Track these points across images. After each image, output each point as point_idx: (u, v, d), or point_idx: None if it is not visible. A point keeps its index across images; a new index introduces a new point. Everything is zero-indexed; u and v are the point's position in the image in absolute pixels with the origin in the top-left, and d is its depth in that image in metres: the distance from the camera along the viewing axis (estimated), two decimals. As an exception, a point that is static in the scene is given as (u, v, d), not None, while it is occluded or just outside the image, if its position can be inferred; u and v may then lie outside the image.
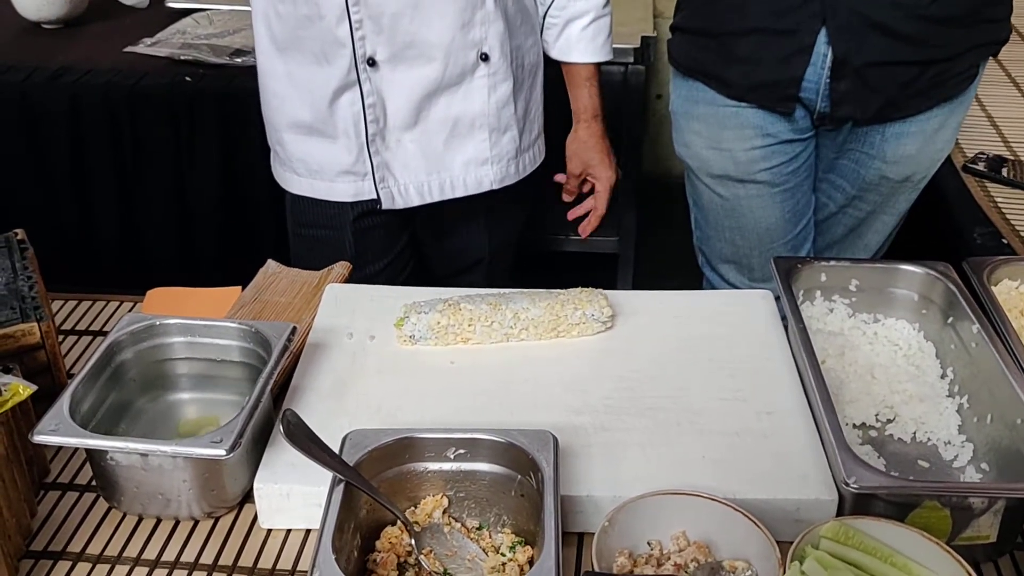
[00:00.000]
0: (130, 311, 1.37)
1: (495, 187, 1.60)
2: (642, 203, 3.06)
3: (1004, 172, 1.71)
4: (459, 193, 1.58)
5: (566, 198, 1.77)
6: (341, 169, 1.54)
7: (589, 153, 1.69)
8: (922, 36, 1.50)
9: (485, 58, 1.50)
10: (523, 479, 0.94)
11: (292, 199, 1.62)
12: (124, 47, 2.27)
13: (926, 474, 1.06)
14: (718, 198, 1.75)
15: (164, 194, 2.17)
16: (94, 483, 1.06)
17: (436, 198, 1.57)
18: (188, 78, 2.11)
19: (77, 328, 1.34)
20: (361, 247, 1.58)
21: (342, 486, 0.89)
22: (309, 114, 1.51)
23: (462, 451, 0.95)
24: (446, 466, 0.96)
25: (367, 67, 1.45)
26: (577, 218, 1.78)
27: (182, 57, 2.18)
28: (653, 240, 3.08)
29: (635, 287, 3.03)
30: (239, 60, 2.13)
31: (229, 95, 2.07)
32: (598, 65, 1.65)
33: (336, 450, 0.94)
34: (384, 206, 1.55)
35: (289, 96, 1.52)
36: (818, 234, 1.84)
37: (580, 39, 1.62)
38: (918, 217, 1.71)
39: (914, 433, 1.11)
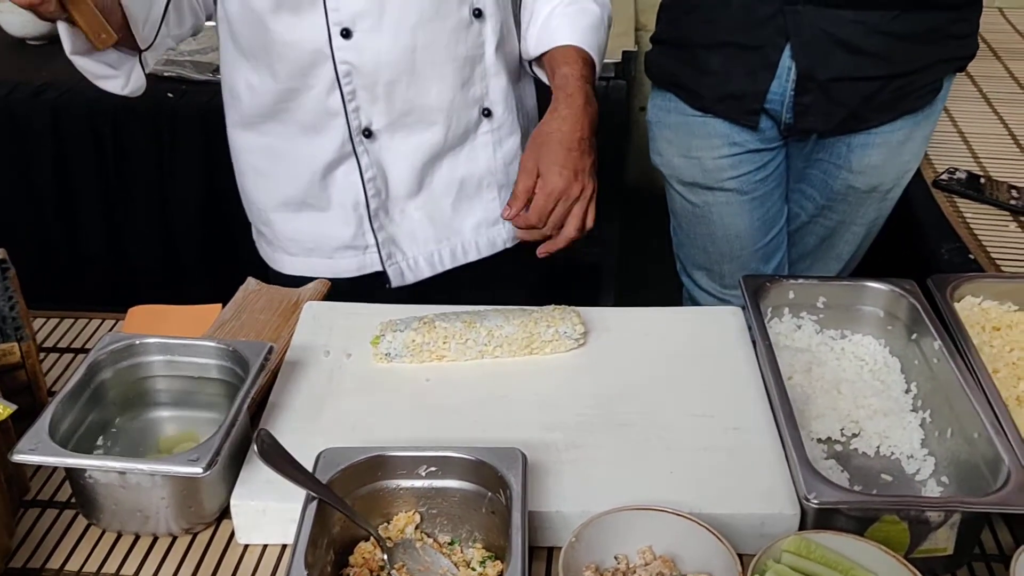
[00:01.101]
0: (112, 329, 1.39)
1: (508, 246, 1.49)
2: (626, 215, 3.09)
3: (975, 189, 1.74)
4: (472, 258, 1.48)
5: (507, 214, 1.30)
6: (340, 244, 1.44)
7: (546, 155, 1.28)
8: (884, 52, 1.54)
9: (488, 114, 1.41)
10: (493, 496, 0.96)
11: (284, 279, 1.48)
12: (108, 64, 2.28)
13: (889, 488, 1.09)
14: (689, 205, 1.79)
15: (147, 209, 2.19)
16: (74, 501, 1.08)
17: (448, 266, 1.47)
18: (171, 94, 2.13)
19: (59, 346, 1.36)
20: None
21: (315, 503, 0.91)
22: (298, 189, 1.42)
23: (433, 468, 0.98)
24: (418, 483, 0.98)
25: (363, 138, 1.36)
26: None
27: (165, 73, 2.21)
28: (637, 252, 3.11)
29: (618, 299, 3.08)
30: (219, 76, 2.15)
31: (211, 111, 2.07)
32: (585, 56, 1.35)
33: (310, 468, 0.96)
34: (394, 284, 1.45)
35: (272, 173, 1.43)
36: (791, 244, 1.88)
37: (559, 22, 1.37)
38: (889, 232, 1.75)
39: (878, 447, 1.14)
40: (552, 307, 1.25)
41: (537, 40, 1.41)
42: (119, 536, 1.04)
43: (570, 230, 1.29)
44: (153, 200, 2.18)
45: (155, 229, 2.21)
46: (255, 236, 1.57)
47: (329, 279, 1.42)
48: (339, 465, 0.95)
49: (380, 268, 1.47)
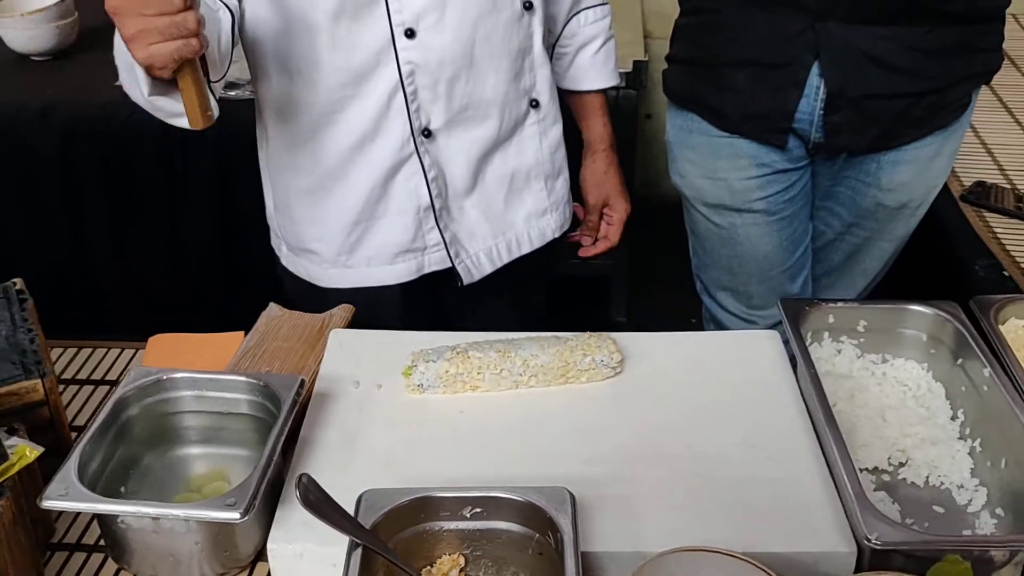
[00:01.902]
0: (132, 359, 1.36)
1: (556, 235, 1.54)
2: (632, 224, 3.07)
3: (1003, 203, 1.72)
4: (525, 250, 1.51)
5: (587, 237, 1.69)
6: (400, 249, 1.43)
7: (608, 184, 1.63)
8: (917, 68, 1.51)
9: (536, 105, 1.44)
10: (541, 538, 0.93)
11: (322, 292, 1.46)
12: (115, 81, 2.24)
13: (942, 519, 1.06)
14: (714, 227, 1.76)
15: (159, 232, 2.15)
16: (102, 543, 1.04)
17: (505, 260, 1.50)
18: (181, 113, 2.09)
19: (77, 377, 1.33)
20: (409, 324, 1.40)
21: (359, 550, 0.88)
22: (360, 201, 1.39)
23: (478, 510, 0.94)
24: (462, 525, 0.95)
25: (423, 138, 1.36)
26: (573, 243, 1.69)
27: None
28: (644, 261, 3.09)
29: (629, 311, 3.05)
30: (232, 93, 2.11)
31: (224, 130, 2.04)
32: (606, 94, 1.62)
33: (349, 508, 0.93)
34: (465, 282, 1.47)
35: (330, 188, 1.39)
36: (816, 261, 1.85)
37: (592, 65, 1.58)
38: (917, 248, 1.72)
39: (927, 477, 1.11)
40: (588, 334, 1.22)
41: (571, 79, 1.60)
42: (150, 580, 1.00)
43: (615, 239, 1.67)
44: (165, 224, 2.13)
45: (168, 252, 2.16)
46: (293, 258, 1.50)
47: (389, 285, 1.45)
48: (382, 508, 0.92)
49: (438, 268, 1.46)
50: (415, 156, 1.38)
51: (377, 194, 1.40)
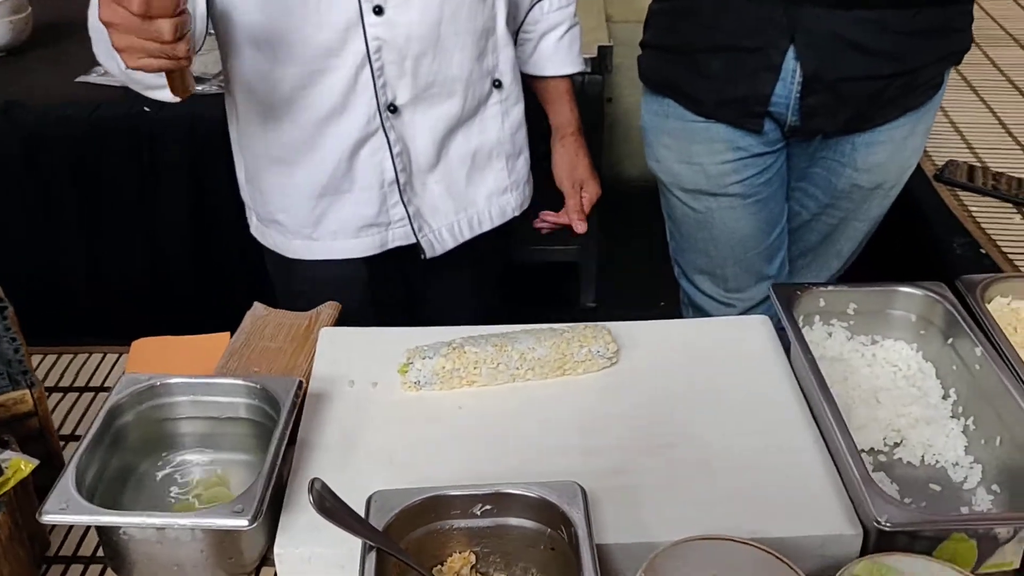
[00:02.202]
0: (114, 365, 1.33)
1: (516, 214, 1.57)
2: (598, 209, 3.07)
3: (975, 181, 1.75)
4: (486, 227, 1.54)
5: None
6: (364, 223, 1.46)
7: (580, 168, 1.64)
8: (891, 50, 1.53)
9: (499, 84, 1.47)
10: (552, 533, 0.93)
11: (288, 262, 1.51)
12: (76, 76, 2.20)
13: (939, 497, 1.08)
14: (691, 211, 1.76)
15: (131, 230, 2.10)
16: (99, 554, 1.02)
17: (467, 236, 1.53)
18: (147, 108, 2.05)
19: (60, 385, 1.30)
20: (375, 296, 1.51)
21: (374, 553, 0.87)
22: (325, 174, 1.42)
23: (488, 507, 0.94)
24: (472, 522, 0.94)
25: (389, 114, 1.38)
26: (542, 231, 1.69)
27: (139, 87, 2.12)
28: (611, 246, 3.10)
29: (598, 295, 3.06)
30: (200, 87, 2.07)
31: (194, 123, 2.02)
32: (572, 79, 1.63)
33: (356, 510, 0.92)
34: (428, 255, 1.50)
35: (297, 162, 1.42)
36: (791, 243, 1.86)
37: (556, 51, 1.59)
38: (895, 229, 1.74)
39: (922, 456, 1.13)
40: (583, 325, 1.21)
41: (535, 64, 1.60)
42: (153, 591, 0.99)
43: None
44: (137, 222, 2.09)
45: (142, 252, 2.12)
46: (260, 227, 1.54)
47: (352, 259, 1.48)
48: (393, 509, 0.91)
49: (403, 243, 1.49)
50: (381, 131, 1.40)
51: (343, 168, 1.42)
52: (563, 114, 1.64)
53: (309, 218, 1.47)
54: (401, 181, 1.44)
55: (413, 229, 1.48)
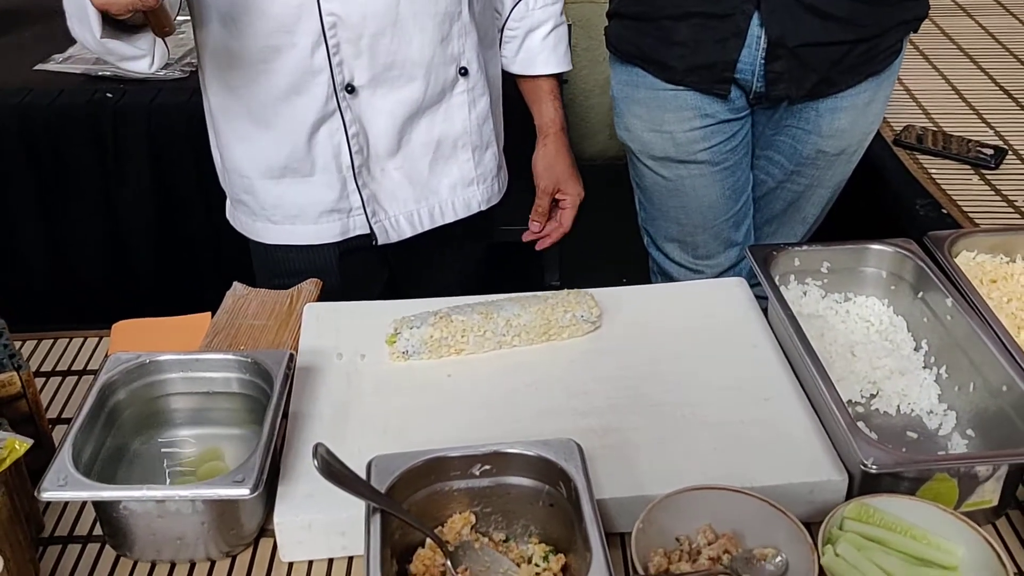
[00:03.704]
0: (95, 348, 1.32)
1: (483, 208, 1.54)
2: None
3: (928, 142, 1.80)
4: (449, 219, 1.51)
5: (536, 224, 1.65)
6: (324, 208, 1.45)
7: (559, 167, 1.61)
8: (852, 16, 1.56)
9: (464, 72, 1.44)
10: (551, 489, 0.95)
11: (265, 249, 1.51)
12: (34, 65, 2.16)
13: (917, 444, 1.11)
14: (661, 179, 1.79)
15: (94, 218, 2.07)
16: (96, 533, 1.02)
17: (427, 226, 1.50)
18: (109, 94, 2.02)
19: (43, 369, 1.29)
20: (349, 285, 1.48)
21: (378, 515, 0.88)
22: (284, 154, 1.41)
23: (487, 467, 0.95)
24: (472, 483, 0.96)
25: (346, 94, 1.36)
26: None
27: (99, 72, 2.09)
28: (572, 224, 3.11)
29: (562, 273, 3.09)
30: (162, 72, 2.05)
31: (154, 109, 1.99)
32: (559, 79, 1.61)
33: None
34: (380, 241, 1.47)
35: (257, 138, 1.41)
36: (757, 210, 1.90)
37: (542, 50, 1.57)
38: (859, 193, 1.78)
39: (898, 406, 1.17)
40: (566, 292, 1.23)
41: (521, 64, 1.59)
42: (153, 565, 0.99)
43: (568, 225, 1.65)
44: (100, 208, 2.06)
45: (105, 238, 2.09)
46: (231, 209, 1.54)
47: (314, 244, 1.47)
48: (394, 472, 0.92)
49: (364, 231, 1.47)
50: (338, 112, 1.38)
51: (302, 149, 1.41)
52: (547, 114, 1.61)
53: (268, 199, 1.46)
54: (356, 164, 1.42)
55: (367, 214, 1.46)
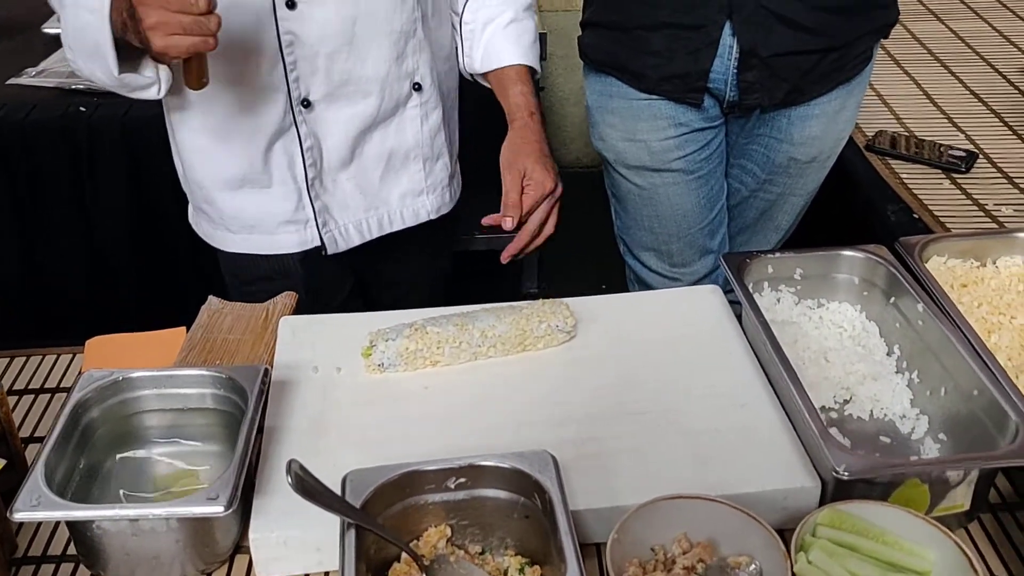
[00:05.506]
0: (69, 365, 1.32)
1: (432, 217, 1.56)
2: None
3: (900, 147, 1.81)
4: (397, 227, 1.53)
5: (509, 220, 1.40)
6: (282, 219, 1.46)
7: (523, 153, 1.42)
8: (822, 26, 1.58)
9: (418, 88, 1.46)
10: (526, 501, 0.95)
11: (227, 257, 1.53)
12: (7, 79, 2.15)
13: (890, 448, 1.12)
14: (635, 188, 1.80)
15: (69, 234, 2.06)
16: (70, 552, 1.01)
17: (375, 234, 1.52)
18: (83, 108, 2.01)
19: (15, 388, 1.28)
20: (314, 291, 1.49)
21: (353, 531, 0.88)
22: (241, 167, 1.43)
23: (463, 479, 0.95)
24: (447, 496, 0.96)
25: (302, 108, 1.39)
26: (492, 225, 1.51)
27: (73, 86, 2.08)
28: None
29: (540, 281, 3.09)
30: (138, 83, 2.04)
31: (129, 123, 1.99)
32: (529, 70, 1.52)
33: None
34: (329, 251, 1.49)
35: (215, 151, 1.43)
36: (730, 219, 1.91)
37: (503, 40, 1.51)
38: (830, 199, 1.80)
39: (871, 411, 1.17)
40: (541, 301, 1.24)
41: (484, 59, 1.52)
42: (129, 584, 0.98)
43: (549, 228, 1.43)
44: (75, 223, 2.04)
45: (80, 254, 2.07)
46: (193, 215, 1.56)
47: (271, 255, 1.49)
48: (368, 486, 0.92)
49: (319, 242, 1.49)
50: (294, 126, 1.40)
51: (259, 163, 1.43)
52: (513, 98, 1.47)
53: (226, 209, 1.48)
54: (310, 176, 1.44)
55: (317, 226, 1.47)
